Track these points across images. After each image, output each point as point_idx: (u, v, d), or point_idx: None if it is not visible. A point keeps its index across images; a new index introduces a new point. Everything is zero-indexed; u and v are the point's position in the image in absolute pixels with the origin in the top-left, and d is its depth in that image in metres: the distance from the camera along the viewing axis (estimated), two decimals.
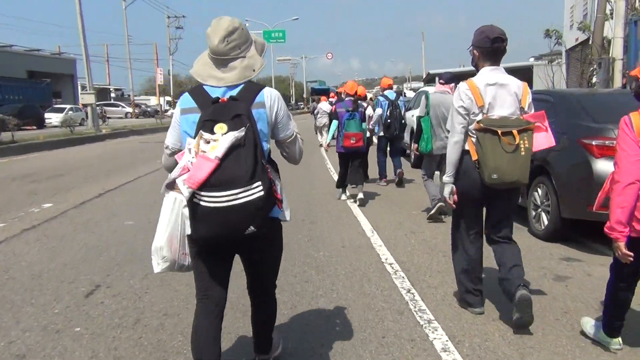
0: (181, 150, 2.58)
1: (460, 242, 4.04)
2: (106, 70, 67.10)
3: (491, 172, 3.57)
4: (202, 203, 2.35)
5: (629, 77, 3.42)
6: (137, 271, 5.02)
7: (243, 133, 2.37)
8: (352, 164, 8.33)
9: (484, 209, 4.02)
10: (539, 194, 6.30)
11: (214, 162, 2.32)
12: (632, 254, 2.99)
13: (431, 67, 57.49)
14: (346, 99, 8.27)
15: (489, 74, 3.74)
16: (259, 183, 2.35)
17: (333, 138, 8.43)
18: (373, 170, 10.59)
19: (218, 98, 2.52)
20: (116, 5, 53.50)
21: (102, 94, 61.90)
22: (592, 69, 15.45)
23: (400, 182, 10.01)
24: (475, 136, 3.70)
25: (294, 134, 2.80)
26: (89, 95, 25.77)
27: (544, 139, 3.73)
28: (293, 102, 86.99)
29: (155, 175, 11.23)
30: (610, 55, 12.91)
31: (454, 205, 3.90)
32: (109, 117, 41.66)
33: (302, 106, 78.83)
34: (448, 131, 3.93)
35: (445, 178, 3.88)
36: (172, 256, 2.70)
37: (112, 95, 66.74)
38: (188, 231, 2.53)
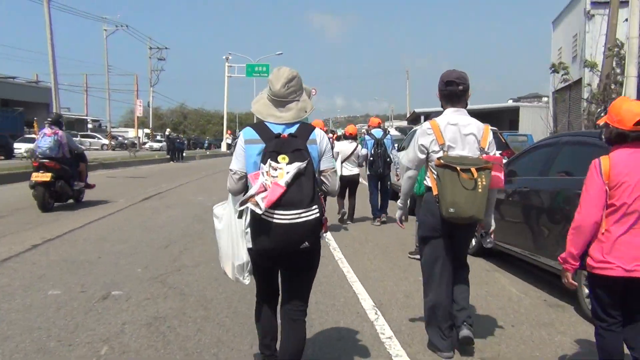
0: (245, 174, 3.12)
1: (428, 276, 4.10)
2: (84, 100, 65.71)
3: (449, 206, 3.73)
4: (272, 220, 2.86)
5: (599, 126, 3.79)
6: None
7: (305, 164, 2.92)
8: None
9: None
10: None
11: (283, 188, 2.85)
12: (576, 284, 3.36)
13: (415, 106, 57.18)
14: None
15: (451, 115, 3.94)
16: (316, 206, 2.92)
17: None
18: (365, 209, 10.81)
19: (279, 134, 3.03)
20: (98, 34, 52.36)
21: (79, 124, 60.77)
22: (599, 109, 14.46)
23: (384, 223, 10.28)
24: (435, 172, 3.88)
25: (334, 166, 3.31)
26: None
27: (497, 180, 3.87)
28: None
29: (108, 221, 9.69)
30: (623, 95, 11.95)
31: (403, 227, 4.50)
32: (85, 149, 39.92)
33: None
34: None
35: (399, 203, 4.27)
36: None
37: (90, 126, 65.24)
38: (247, 245, 3.15)
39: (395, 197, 10.18)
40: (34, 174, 10.66)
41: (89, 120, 66.44)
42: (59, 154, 10.78)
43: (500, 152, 10.67)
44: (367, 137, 10.63)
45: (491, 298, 5.57)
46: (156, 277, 5.99)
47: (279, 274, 3.36)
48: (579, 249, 3.21)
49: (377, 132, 10.48)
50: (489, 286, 6.00)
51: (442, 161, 3.79)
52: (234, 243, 3.27)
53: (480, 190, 3.72)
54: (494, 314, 5.04)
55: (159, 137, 58.54)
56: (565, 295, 5.50)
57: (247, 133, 3.15)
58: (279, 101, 3.16)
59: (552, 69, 16.43)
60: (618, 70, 15.45)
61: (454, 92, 3.95)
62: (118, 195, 13.60)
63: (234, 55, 52.55)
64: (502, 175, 3.89)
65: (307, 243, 2.99)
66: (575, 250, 3.21)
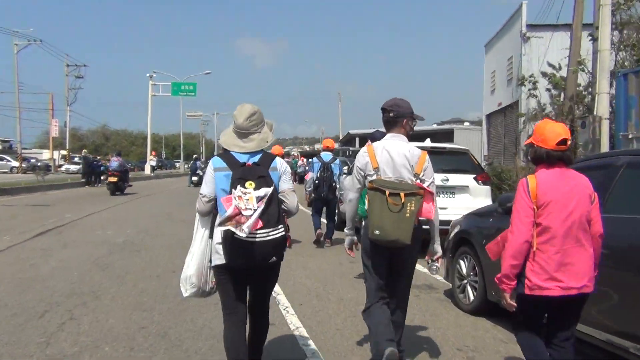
0: (214, 198, 3.48)
1: (367, 300, 4.08)
2: None
3: (374, 228, 3.76)
4: (245, 239, 3.18)
5: (524, 146, 3.64)
6: None
7: (271, 189, 3.32)
8: None
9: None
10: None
11: (256, 212, 3.21)
12: (515, 304, 3.36)
13: (347, 128, 56.19)
14: None
15: (387, 140, 4.04)
16: (281, 226, 3.35)
17: None
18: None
19: (244, 163, 3.45)
20: (7, 49, 48.53)
21: None
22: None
23: (318, 242, 10.27)
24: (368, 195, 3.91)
25: (292, 187, 3.65)
26: None
27: (427, 210, 3.82)
28: (203, 159, 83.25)
29: None
30: (595, 113, 10.83)
31: (353, 255, 4.38)
32: None
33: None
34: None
35: (346, 231, 4.29)
36: (198, 283, 3.58)
37: None
38: (215, 262, 3.47)
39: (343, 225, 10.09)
40: (110, 178, 23.04)
41: None
42: (119, 169, 23.28)
43: (474, 175, 9.58)
44: (315, 159, 10.40)
45: None
46: None
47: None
48: (516, 269, 3.26)
49: (326, 156, 10.24)
50: None
51: (373, 184, 3.84)
52: (188, 258, 3.62)
53: (407, 215, 3.71)
54: None
55: (76, 159, 54.67)
56: None
57: (216, 162, 3.52)
58: (242, 133, 3.54)
59: (520, 82, 15.37)
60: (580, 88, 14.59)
61: (386, 119, 4.07)
62: (3, 231, 11.13)
63: (158, 74, 49.74)
64: (432, 206, 3.84)
65: (274, 257, 3.40)
66: (514, 270, 3.26)
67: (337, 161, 10.38)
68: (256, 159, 3.49)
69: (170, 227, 12.57)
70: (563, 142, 3.24)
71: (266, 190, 3.28)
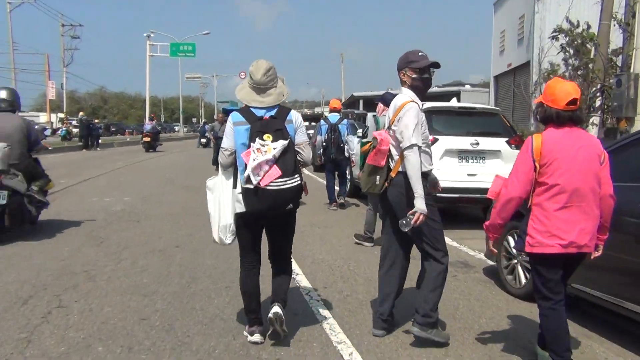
0: (234, 151, 3.68)
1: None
2: None
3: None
4: (267, 187, 3.49)
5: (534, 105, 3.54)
6: None
7: (287, 141, 3.56)
8: None
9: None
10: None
11: (280, 172, 3.51)
12: (497, 251, 3.85)
13: (350, 91, 54.87)
14: None
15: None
16: (297, 175, 3.61)
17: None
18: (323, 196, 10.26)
19: (262, 117, 3.65)
20: (1, 8, 47.03)
21: None
22: (594, 89, 12.43)
23: (342, 206, 10.13)
24: None
25: (307, 140, 3.86)
26: None
27: (370, 156, 3.90)
28: (202, 122, 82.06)
29: None
30: (632, 71, 9.89)
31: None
32: None
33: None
34: None
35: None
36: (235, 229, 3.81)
37: None
38: (236, 210, 3.70)
39: (357, 191, 10.50)
40: (144, 138, 28.53)
41: None
42: (152, 131, 28.32)
43: (507, 138, 8.70)
44: (322, 122, 10.09)
45: None
46: None
47: (265, 235, 3.92)
48: (504, 220, 3.36)
49: (333, 117, 9.97)
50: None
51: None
52: (220, 208, 3.78)
53: (365, 165, 3.92)
54: None
55: (74, 122, 53.62)
56: None
57: (235, 117, 3.73)
58: (260, 88, 3.71)
59: (554, 34, 14.27)
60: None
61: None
62: None
63: (156, 34, 48.12)
64: (376, 153, 3.83)
65: (291, 205, 3.67)
66: (500, 221, 3.36)
67: (345, 121, 10.02)
68: (273, 112, 3.69)
69: (173, 193, 11.76)
70: (573, 101, 3.18)
71: (283, 143, 3.53)
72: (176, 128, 73.34)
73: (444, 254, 3.83)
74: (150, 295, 4.79)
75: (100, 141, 33.35)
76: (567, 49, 15.07)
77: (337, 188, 10.23)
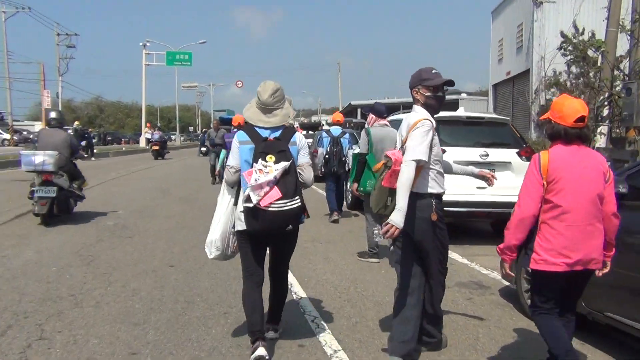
0: (239, 170, 3.74)
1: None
2: None
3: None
4: (267, 208, 3.52)
5: (540, 122, 3.34)
6: None
7: (289, 163, 3.59)
8: None
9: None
10: None
11: (280, 195, 3.54)
12: (513, 274, 3.62)
13: (347, 99, 54.62)
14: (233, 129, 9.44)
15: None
16: (298, 197, 3.62)
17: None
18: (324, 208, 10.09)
19: (266, 138, 3.71)
20: None
21: None
22: (601, 98, 12.10)
23: (336, 221, 9.82)
24: None
25: (309, 161, 3.91)
26: None
27: (385, 178, 3.69)
28: (199, 131, 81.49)
29: None
30: None
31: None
32: None
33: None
34: None
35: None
36: (222, 247, 3.88)
37: None
38: (237, 228, 3.76)
39: (359, 203, 9.84)
40: (153, 147, 31.06)
41: None
42: (160, 140, 30.84)
43: (517, 150, 8.34)
44: (323, 134, 10.04)
45: None
46: None
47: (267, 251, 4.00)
48: (518, 241, 3.28)
49: (335, 130, 10.00)
50: None
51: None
52: (213, 222, 3.93)
53: (377, 185, 3.72)
54: None
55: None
56: None
57: (241, 136, 3.78)
58: (267, 109, 3.79)
59: (561, 46, 13.97)
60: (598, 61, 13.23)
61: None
62: None
63: (152, 43, 47.85)
64: (391, 175, 3.62)
65: (291, 226, 3.72)
66: (516, 242, 3.28)
67: (347, 135, 10.07)
68: (277, 134, 3.76)
69: (167, 206, 11.34)
70: (581, 119, 3.18)
71: (285, 164, 3.56)
72: (173, 137, 72.87)
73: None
74: (142, 324, 4.38)
75: (95, 150, 32.88)
76: (571, 57, 14.81)
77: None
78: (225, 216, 3.85)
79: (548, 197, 3.17)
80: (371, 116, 6.77)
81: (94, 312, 4.65)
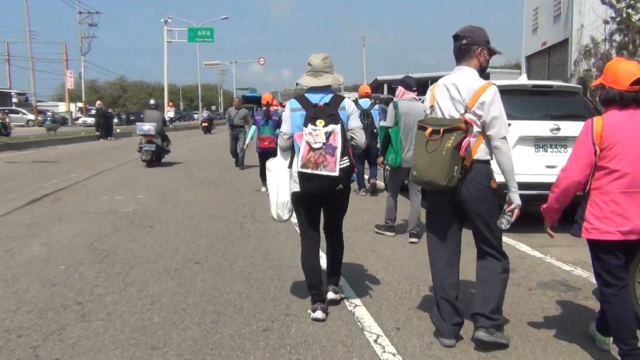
0: (292, 135, 3.97)
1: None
2: (6, 72, 58.49)
3: (413, 169, 3.58)
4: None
5: (592, 88, 3.87)
6: None
7: (338, 126, 3.72)
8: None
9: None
10: None
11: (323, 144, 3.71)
12: (554, 234, 3.38)
13: (372, 74, 53.17)
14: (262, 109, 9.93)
15: (451, 75, 3.64)
16: (347, 158, 3.76)
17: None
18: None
19: (316, 104, 3.89)
20: None
21: (1, 98, 54.20)
22: None
23: (374, 191, 10.07)
24: None
25: (360, 125, 4.05)
26: None
27: (479, 149, 3.44)
28: (222, 110, 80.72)
29: None
30: None
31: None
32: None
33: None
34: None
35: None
36: (291, 207, 4.14)
37: (14, 100, 58.68)
38: (293, 189, 3.99)
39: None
40: (202, 123, 39.33)
41: (12, 93, 59.68)
42: (208, 118, 39.41)
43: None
44: None
45: None
46: None
47: (321, 212, 4.14)
48: (562, 205, 3.23)
49: (365, 103, 9.83)
50: None
51: (418, 123, 3.61)
52: (279, 186, 4.10)
53: (444, 153, 3.34)
54: None
55: (93, 112, 52.89)
56: None
57: (292, 103, 4.03)
58: (318, 72, 4.02)
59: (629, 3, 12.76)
60: None
61: (458, 47, 3.59)
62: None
63: (173, 20, 46.95)
64: (465, 143, 3.34)
65: (341, 185, 3.84)
66: (558, 205, 3.24)
67: (377, 107, 9.91)
68: (327, 99, 3.96)
69: (191, 190, 10.49)
70: (638, 81, 3.04)
71: (333, 127, 3.72)
72: (195, 116, 72.30)
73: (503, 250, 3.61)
74: (161, 348, 3.46)
75: (117, 130, 32.25)
76: (614, 24, 13.62)
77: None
78: (287, 178, 4.07)
79: (602, 163, 3.06)
80: (400, 89, 6.65)
81: (103, 329, 3.75)
